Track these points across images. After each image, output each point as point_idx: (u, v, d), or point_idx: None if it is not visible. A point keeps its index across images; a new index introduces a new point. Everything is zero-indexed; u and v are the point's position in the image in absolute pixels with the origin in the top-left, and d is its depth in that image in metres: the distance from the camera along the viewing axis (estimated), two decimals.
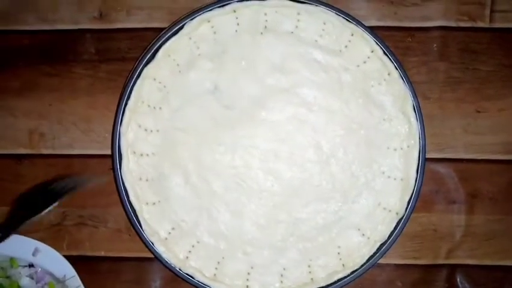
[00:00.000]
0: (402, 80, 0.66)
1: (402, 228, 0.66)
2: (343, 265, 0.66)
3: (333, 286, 0.66)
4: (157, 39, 0.67)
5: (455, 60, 0.70)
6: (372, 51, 0.67)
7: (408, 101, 0.66)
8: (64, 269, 0.67)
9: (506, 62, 0.70)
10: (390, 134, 0.67)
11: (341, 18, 0.67)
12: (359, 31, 0.66)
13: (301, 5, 0.67)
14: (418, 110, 0.66)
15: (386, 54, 0.66)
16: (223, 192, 0.67)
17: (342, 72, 0.67)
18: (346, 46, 0.67)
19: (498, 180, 0.70)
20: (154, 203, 0.67)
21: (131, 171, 0.66)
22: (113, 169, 0.67)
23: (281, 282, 0.66)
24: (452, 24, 0.70)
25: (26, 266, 0.68)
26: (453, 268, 0.70)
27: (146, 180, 0.67)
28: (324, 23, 0.67)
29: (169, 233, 0.67)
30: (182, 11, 0.69)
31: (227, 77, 0.67)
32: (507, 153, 0.70)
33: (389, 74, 0.67)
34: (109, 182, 0.69)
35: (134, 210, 0.66)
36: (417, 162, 0.66)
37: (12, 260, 0.67)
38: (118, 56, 0.71)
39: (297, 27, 0.67)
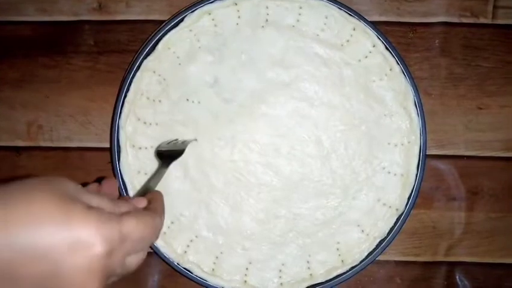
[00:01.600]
0: (403, 75, 0.66)
1: (402, 225, 0.66)
2: (342, 261, 0.66)
3: (331, 282, 0.65)
4: (157, 32, 0.66)
5: (457, 56, 0.70)
6: (373, 46, 0.66)
7: (410, 97, 0.66)
8: None
9: (508, 59, 0.70)
10: (391, 130, 0.67)
11: (342, 12, 0.66)
12: (361, 26, 0.66)
13: None
14: (419, 105, 0.66)
15: (388, 49, 0.66)
16: (222, 186, 0.66)
17: (343, 67, 0.67)
18: (348, 40, 0.67)
19: (499, 178, 0.69)
20: None
21: (129, 164, 0.66)
22: (112, 162, 0.66)
23: (280, 277, 0.66)
24: (455, 20, 0.70)
25: None
26: (452, 265, 0.70)
27: (145, 173, 0.66)
28: (326, 17, 0.67)
29: (168, 227, 0.66)
30: (183, 3, 0.68)
31: (227, 70, 0.67)
32: (508, 150, 0.69)
33: (390, 69, 0.66)
34: (108, 176, 0.69)
35: None
36: (417, 158, 0.66)
37: None
38: (118, 48, 0.70)
39: (298, 21, 0.67)
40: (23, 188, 0.35)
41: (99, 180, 0.49)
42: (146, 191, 0.53)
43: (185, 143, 0.64)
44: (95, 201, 0.38)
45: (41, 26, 0.71)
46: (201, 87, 0.67)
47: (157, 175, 0.58)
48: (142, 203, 0.45)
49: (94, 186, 0.47)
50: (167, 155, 0.62)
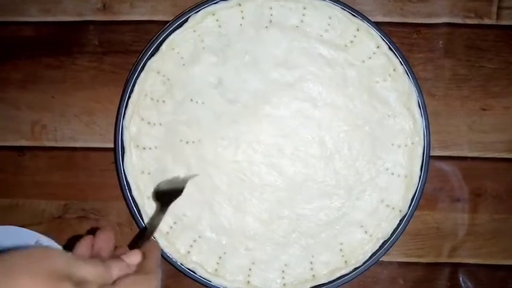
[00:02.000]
0: (407, 76, 0.66)
1: (405, 226, 0.66)
2: (345, 262, 0.66)
3: (334, 283, 0.65)
4: (161, 32, 0.66)
5: (461, 57, 0.70)
6: (377, 47, 0.66)
7: (413, 97, 0.65)
8: None
9: None
10: (395, 131, 0.67)
11: (346, 13, 0.66)
12: (365, 26, 0.66)
13: None
14: (423, 106, 0.66)
15: (392, 50, 0.66)
16: (225, 186, 0.66)
17: (347, 68, 0.67)
18: (351, 41, 0.67)
19: (503, 179, 0.69)
20: None
21: (133, 164, 0.66)
22: (116, 162, 0.66)
23: (283, 278, 0.66)
24: (459, 20, 0.70)
25: None
26: (456, 267, 0.70)
27: (149, 173, 0.67)
28: (330, 18, 0.67)
29: (171, 227, 0.66)
30: (187, 3, 0.68)
31: (231, 71, 0.67)
32: None
33: (394, 70, 0.66)
34: (111, 176, 0.69)
35: (136, 204, 0.66)
36: (421, 159, 0.65)
37: None
38: (122, 48, 0.70)
39: (302, 21, 0.67)
40: (3, 268, 0.32)
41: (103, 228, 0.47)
42: (143, 236, 0.53)
43: (185, 180, 0.63)
44: (86, 270, 0.36)
45: (45, 27, 0.71)
46: (204, 87, 0.67)
47: (155, 219, 0.56)
48: (136, 258, 0.43)
49: (87, 241, 0.44)
50: (166, 195, 0.61)
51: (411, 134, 0.66)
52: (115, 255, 0.44)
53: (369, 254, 0.66)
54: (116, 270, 0.40)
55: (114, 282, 0.37)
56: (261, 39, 0.67)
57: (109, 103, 0.70)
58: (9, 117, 0.71)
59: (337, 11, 0.66)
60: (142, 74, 0.66)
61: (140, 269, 0.42)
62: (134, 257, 0.43)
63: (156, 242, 0.50)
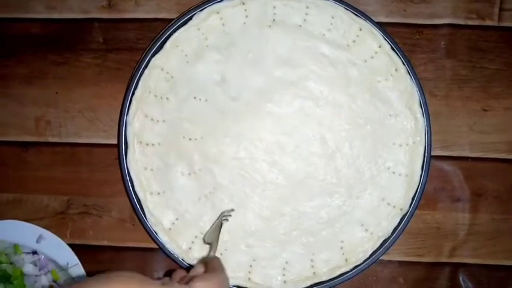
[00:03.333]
0: (409, 76, 0.66)
1: (405, 225, 0.66)
2: (346, 260, 0.66)
3: (335, 281, 0.66)
4: (165, 30, 0.67)
5: (463, 58, 0.70)
6: (379, 47, 0.67)
7: (415, 97, 0.66)
8: (67, 256, 0.67)
9: None
10: (396, 130, 0.67)
11: (349, 12, 0.67)
12: (367, 26, 0.66)
13: None
14: (424, 106, 0.66)
15: (394, 50, 0.66)
16: (227, 183, 0.67)
17: (349, 67, 0.67)
18: (354, 41, 0.67)
19: (503, 179, 0.69)
20: (158, 193, 0.67)
21: (136, 160, 0.67)
22: (119, 158, 0.67)
23: (283, 275, 0.66)
24: (461, 22, 0.70)
25: (29, 253, 0.68)
26: (456, 267, 0.70)
27: (151, 170, 0.67)
28: (333, 17, 0.67)
29: (173, 223, 0.67)
30: (191, 1, 0.69)
31: (234, 69, 0.67)
32: None
33: (396, 70, 0.67)
34: (114, 171, 0.69)
35: (138, 199, 0.66)
36: (422, 158, 0.66)
37: (16, 247, 0.68)
38: (126, 46, 0.71)
39: (305, 20, 0.67)
40: (102, 279, 0.42)
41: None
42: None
43: (221, 219, 0.66)
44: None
45: (51, 24, 0.72)
46: (208, 85, 0.67)
47: (210, 252, 0.64)
48: (200, 269, 0.55)
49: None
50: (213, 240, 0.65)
51: (413, 133, 0.66)
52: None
53: (370, 253, 0.66)
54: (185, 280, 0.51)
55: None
56: (264, 38, 0.67)
57: (112, 100, 0.70)
58: (13, 112, 0.72)
59: (340, 10, 0.67)
60: (146, 71, 0.66)
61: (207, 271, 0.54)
62: (196, 270, 0.55)
63: (216, 257, 0.62)
